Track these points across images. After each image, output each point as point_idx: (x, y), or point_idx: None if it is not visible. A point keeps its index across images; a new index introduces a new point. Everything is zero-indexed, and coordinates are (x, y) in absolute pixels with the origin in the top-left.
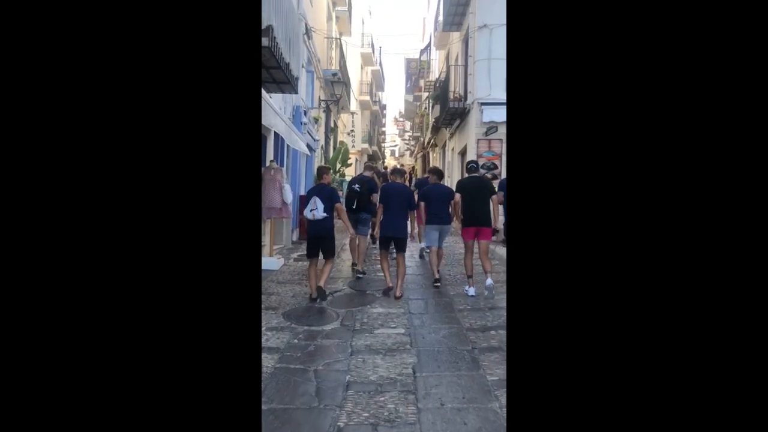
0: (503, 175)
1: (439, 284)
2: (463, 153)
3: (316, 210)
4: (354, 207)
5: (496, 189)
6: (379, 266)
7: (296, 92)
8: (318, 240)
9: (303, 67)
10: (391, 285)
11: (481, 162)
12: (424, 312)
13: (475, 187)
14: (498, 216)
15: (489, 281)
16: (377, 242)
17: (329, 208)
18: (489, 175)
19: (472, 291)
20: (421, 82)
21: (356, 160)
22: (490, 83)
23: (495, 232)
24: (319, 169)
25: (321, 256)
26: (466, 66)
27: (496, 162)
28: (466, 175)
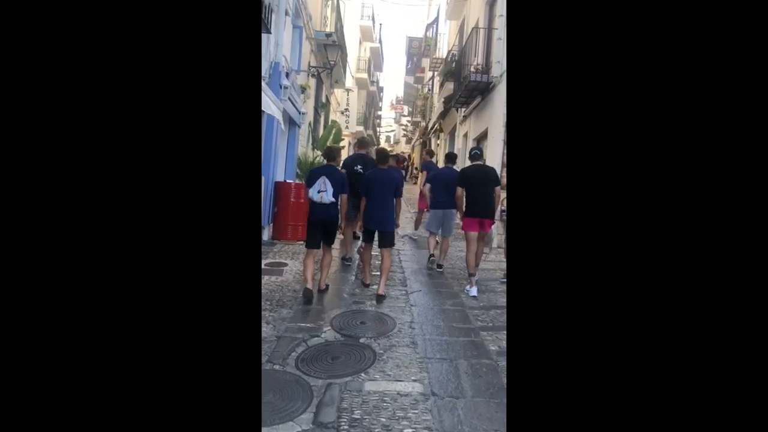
0: None
1: (433, 267)
2: (481, 139)
3: (326, 193)
4: (358, 191)
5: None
6: (374, 301)
7: (269, 32)
8: (323, 226)
9: (287, 14)
10: (369, 282)
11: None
12: (457, 392)
13: (479, 177)
14: (498, 208)
15: (473, 291)
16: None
17: (337, 195)
18: None
19: (473, 291)
20: (425, 62)
21: (349, 143)
22: None
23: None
24: (331, 150)
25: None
26: (489, 31)
27: None
28: (469, 163)
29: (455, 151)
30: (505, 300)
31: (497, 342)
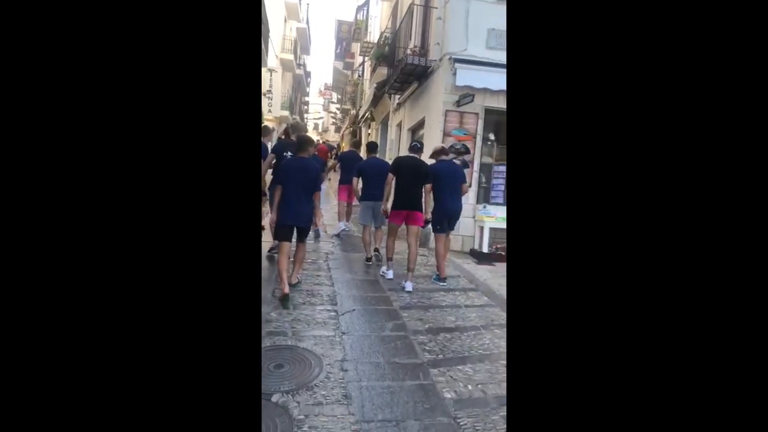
0: (476, 161)
1: (370, 262)
2: (417, 129)
3: None
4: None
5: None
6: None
7: None
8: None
9: None
10: (287, 292)
11: (448, 143)
12: None
13: (411, 169)
14: (429, 206)
15: (409, 286)
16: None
17: None
18: (459, 162)
19: (390, 274)
20: (355, 47)
21: (273, 129)
22: (467, 34)
23: (426, 222)
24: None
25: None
26: (426, 10)
27: (469, 144)
28: (407, 153)
29: (388, 142)
30: (453, 319)
31: (452, 384)
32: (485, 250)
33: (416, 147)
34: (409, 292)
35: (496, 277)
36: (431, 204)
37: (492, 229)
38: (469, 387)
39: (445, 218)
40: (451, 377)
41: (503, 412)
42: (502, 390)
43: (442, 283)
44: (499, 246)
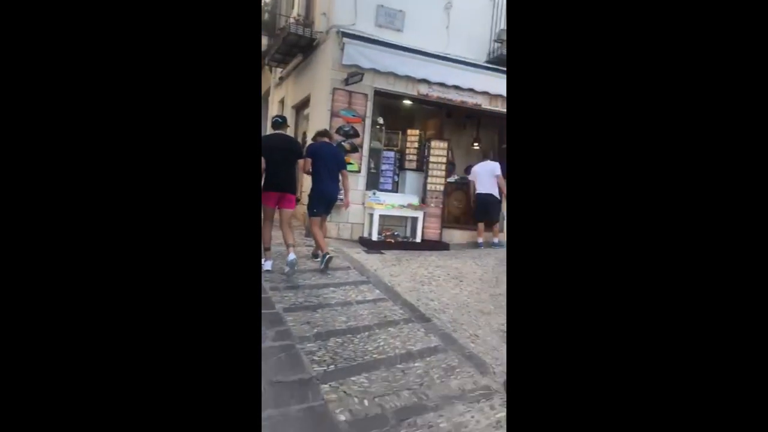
0: (366, 146)
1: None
2: (301, 107)
3: None
4: None
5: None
6: None
7: None
8: None
9: None
10: None
11: (336, 124)
12: None
13: (281, 147)
14: (302, 184)
15: (291, 256)
16: None
17: None
18: (348, 145)
19: (268, 265)
20: None
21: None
22: (356, 6)
23: (297, 200)
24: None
25: None
26: None
27: (358, 127)
28: (271, 131)
29: (269, 120)
30: (344, 319)
31: (346, 402)
32: (374, 237)
33: (278, 122)
34: (292, 262)
35: (386, 266)
36: (303, 178)
37: (381, 216)
38: (366, 402)
39: (324, 202)
40: (345, 392)
41: (404, 429)
42: (401, 401)
43: (327, 255)
44: (388, 233)
